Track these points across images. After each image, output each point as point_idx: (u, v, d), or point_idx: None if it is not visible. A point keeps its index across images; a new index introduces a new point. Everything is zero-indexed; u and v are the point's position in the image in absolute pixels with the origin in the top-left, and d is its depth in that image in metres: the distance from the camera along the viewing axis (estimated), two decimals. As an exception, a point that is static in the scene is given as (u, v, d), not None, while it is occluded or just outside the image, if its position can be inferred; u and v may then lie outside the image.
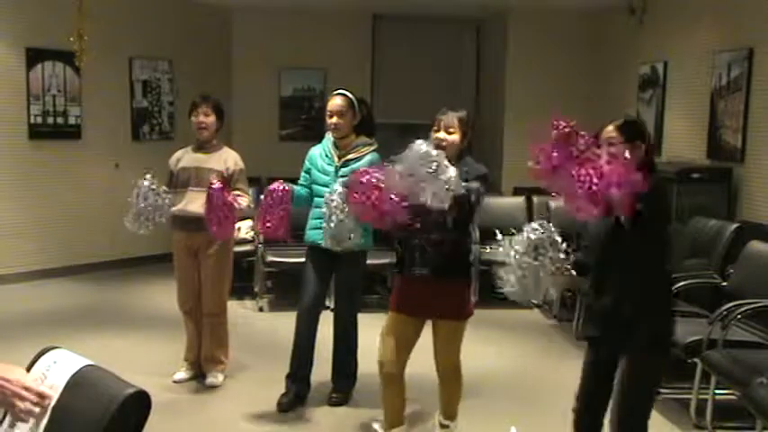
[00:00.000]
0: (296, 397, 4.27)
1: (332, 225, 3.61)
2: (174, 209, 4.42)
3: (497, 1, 8.15)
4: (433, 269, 3.38)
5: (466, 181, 3.22)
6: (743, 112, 5.79)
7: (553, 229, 2.85)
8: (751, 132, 5.75)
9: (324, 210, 3.70)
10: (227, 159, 4.47)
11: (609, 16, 8.06)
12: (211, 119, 4.47)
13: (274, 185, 3.97)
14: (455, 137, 3.38)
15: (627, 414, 2.88)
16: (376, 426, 3.72)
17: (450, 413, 3.66)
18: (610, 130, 2.91)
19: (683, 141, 6.69)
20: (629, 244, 2.81)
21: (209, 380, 4.59)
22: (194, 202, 4.38)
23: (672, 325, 2.98)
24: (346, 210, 3.53)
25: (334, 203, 3.59)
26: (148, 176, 4.27)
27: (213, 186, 4.15)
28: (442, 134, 3.38)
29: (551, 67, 8.32)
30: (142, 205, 4.21)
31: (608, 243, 2.89)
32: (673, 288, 3.06)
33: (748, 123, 5.76)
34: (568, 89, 8.29)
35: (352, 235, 3.61)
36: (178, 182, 4.47)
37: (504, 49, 8.49)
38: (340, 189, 3.63)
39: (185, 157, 4.52)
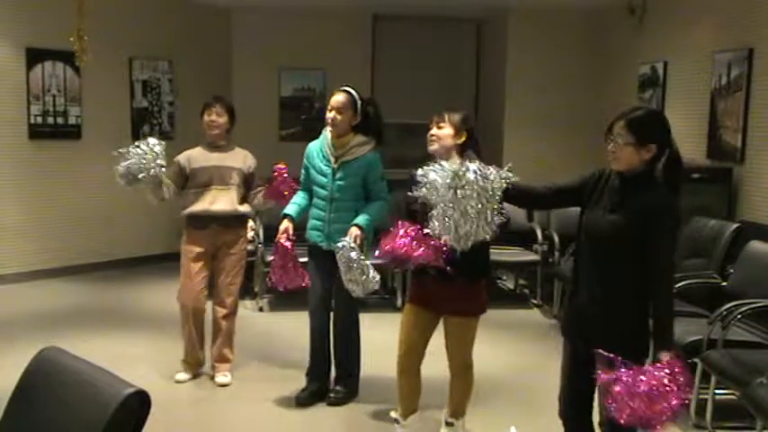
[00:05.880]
0: (314, 393, 4.30)
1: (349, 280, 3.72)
2: (196, 208, 4.45)
3: (497, 1, 8.15)
4: (439, 272, 3.33)
5: None
6: (743, 112, 5.79)
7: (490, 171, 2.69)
8: (751, 132, 5.75)
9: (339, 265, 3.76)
10: (246, 158, 4.58)
11: (609, 16, 8.07)
12: (224, 119, 4.52)
13: (283, 242, 4.03)
14: (446, 131, 3.43)
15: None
16: (393, 414, 3.74)
17: (457, 411, 3.67)
18: (620, 126, 2.69)
19: (682, 141, 6.60)
20: (608, 240, 2.71)
21: (220, 378, 4.60)
22: (219, 201, 4.44)
23: (642, 327, 2.78)
24: (356, 264, 3.65)
25: (349, 259, 3.69)
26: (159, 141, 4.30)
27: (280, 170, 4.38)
28: (433, 130, 3.45)
29: (551, 67, 8.32)
30: (135, 159, 4.18)
31: (598, 253, 2.78)
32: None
33: (748, 123, 5.76)
34: (568, 89, 8.29)
35: (367, 284, 3.69)
36: (195, 182, 4.48)
37: (504, 49, 8.49)
38: (346, 244, 3.72)
39: (200, 158, 4.53)
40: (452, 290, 3.40)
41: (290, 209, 4.16)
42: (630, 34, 7.55)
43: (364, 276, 3.65)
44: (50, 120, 7.22)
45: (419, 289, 3.55)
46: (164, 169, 4.27)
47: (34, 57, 7.03)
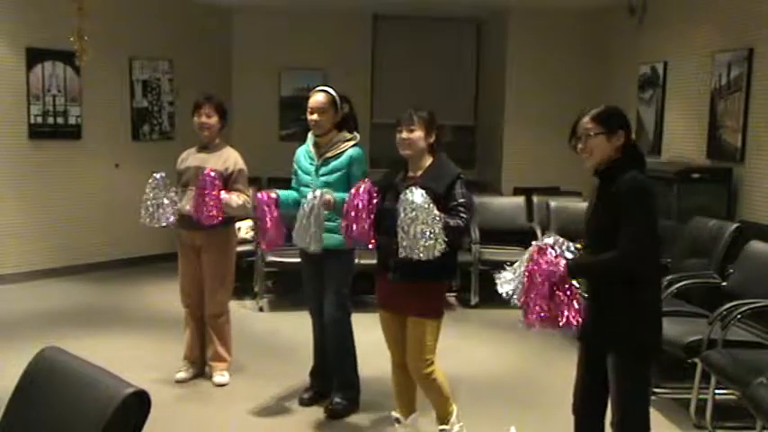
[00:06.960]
0: (318, 393, 4.31)
1: (299, 227, 3.70)
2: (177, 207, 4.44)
3: (497, 1, 8.15)
4: (401, 275, 3.41)
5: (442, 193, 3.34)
6: (743, 112, 5.79)
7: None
8: (751, 132, 5.75)
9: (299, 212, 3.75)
10: (227, 159, 4.47)
11: (609, 16, 8.07)
12: (214, 119, 4.47)
13: (259, 195, 3.96)
14: (418, 134, 3.44)
15: (624, 414, 2.84)
16: (394, 413, 3.74)
17: (439, 415, 3.63)
18: (586, 122, 2.81)
19: (683, 141, 6.69)
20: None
21: (217, 378, 4.60)
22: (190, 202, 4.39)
23: (652, 329, 2.83)
24: (312, 216, 3.65)
25: (305, 207, 3.68)
26: (162, 174, 4.32)
27: (206, 173, 4.23)
28: (404, 134, 3.46)
29: (551, 66, 8.32)
30: (150, 201, 4.28)
31: (594, 247, 2.83)
32: (657, 290, 2.91)
33: (748, 123, 5.76)
34: (568, 89, 8.28)
35: (309, 239, 3.68)
36: (180, 181, 4.49)
37: (503, 49, 8.49)
38: (311, 195, 3.70)
39: (188, 158, 4.56)
40: (404, 290, 3.43)
41: (280, 191, 4.10)
42: (630, 34, 7.55)
43: (312, 230, 3.66)
44: (50, 120, 7.22)
45: (378, 291, 3.61)
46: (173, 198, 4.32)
47: (34, 57, 7.03)
